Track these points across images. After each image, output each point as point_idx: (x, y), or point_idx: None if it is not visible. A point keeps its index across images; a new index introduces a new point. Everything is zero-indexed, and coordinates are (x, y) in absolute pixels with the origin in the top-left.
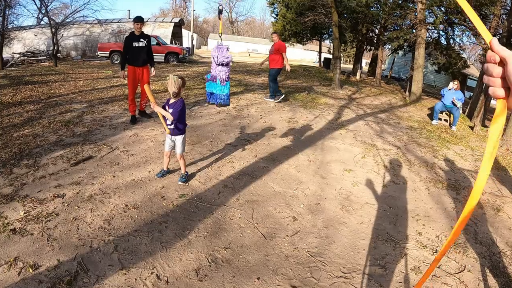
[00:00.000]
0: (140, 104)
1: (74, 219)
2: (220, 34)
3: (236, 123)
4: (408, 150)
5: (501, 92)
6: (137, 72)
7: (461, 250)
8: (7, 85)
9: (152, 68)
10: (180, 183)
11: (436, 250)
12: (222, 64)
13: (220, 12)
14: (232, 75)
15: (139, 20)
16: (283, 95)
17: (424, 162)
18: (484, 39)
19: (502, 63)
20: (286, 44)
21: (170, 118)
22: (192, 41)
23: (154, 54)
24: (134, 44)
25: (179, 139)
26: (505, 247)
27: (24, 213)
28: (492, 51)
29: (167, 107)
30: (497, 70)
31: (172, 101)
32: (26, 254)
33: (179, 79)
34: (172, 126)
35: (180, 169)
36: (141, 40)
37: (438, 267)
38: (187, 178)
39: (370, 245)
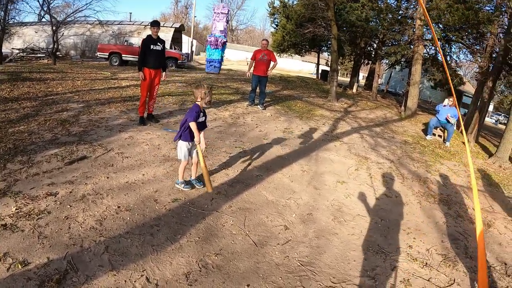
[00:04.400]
0: (148, 107)
1: (65, 218)
2: None
3: (231, 131)
4: (402, 164)
5: None
6: (152, 74)
7: (451, 264)
8: (4, 81)
9: (164, 73)
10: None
11: (426, 263)
12: None
13: None
14: (229, 83)
15: (156, 24)
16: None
17: (417, 176)
18: None
19: None
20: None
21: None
22: (191, 47)
23: None
24: (152, 47)
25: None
26: (495, 262)
27: (16, 209)
28: None
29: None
30: None
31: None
32: (16, 250)
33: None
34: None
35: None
36: (158, 44)
37: (428, 280)
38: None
39: (360, 256)
